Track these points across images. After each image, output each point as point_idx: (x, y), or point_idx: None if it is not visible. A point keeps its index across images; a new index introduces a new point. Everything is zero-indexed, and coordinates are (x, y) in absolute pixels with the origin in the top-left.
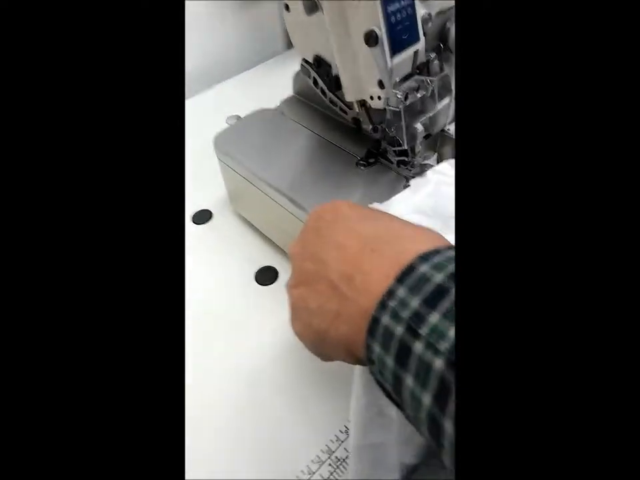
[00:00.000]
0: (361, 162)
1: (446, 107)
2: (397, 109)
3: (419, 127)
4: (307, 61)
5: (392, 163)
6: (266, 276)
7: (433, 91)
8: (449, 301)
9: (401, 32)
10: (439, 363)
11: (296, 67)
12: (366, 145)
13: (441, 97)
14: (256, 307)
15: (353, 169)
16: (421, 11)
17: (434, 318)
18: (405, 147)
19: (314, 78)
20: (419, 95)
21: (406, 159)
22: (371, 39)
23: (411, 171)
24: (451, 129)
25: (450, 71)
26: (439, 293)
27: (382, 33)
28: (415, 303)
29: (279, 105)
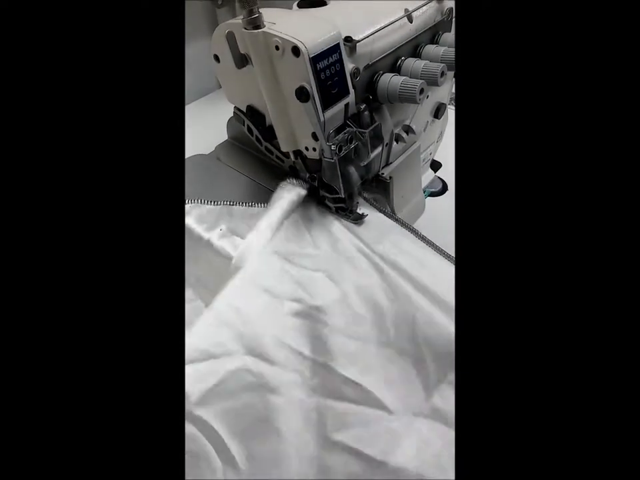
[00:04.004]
0: None
1: (378, 154)
2: (332, 160)
3: (354, 175)
4: (240, 110)
5: (330, 209)
6: None
7: (365, 141)
8: None
9: (330, 87)
10: None
11: (228, 106)
12: None
13: (374, 146)
14: None
15: None
16: (349, 66)
17: None
18: (342, 195)
19: (248, 126)
20: (352, 146)
21: (344, 206)
22: (302, 95)
23: (350, 217)
24: (385, 172)
25: (380, 120)
26: None
27: (312, 89)
28: None
29: (213, 149)
